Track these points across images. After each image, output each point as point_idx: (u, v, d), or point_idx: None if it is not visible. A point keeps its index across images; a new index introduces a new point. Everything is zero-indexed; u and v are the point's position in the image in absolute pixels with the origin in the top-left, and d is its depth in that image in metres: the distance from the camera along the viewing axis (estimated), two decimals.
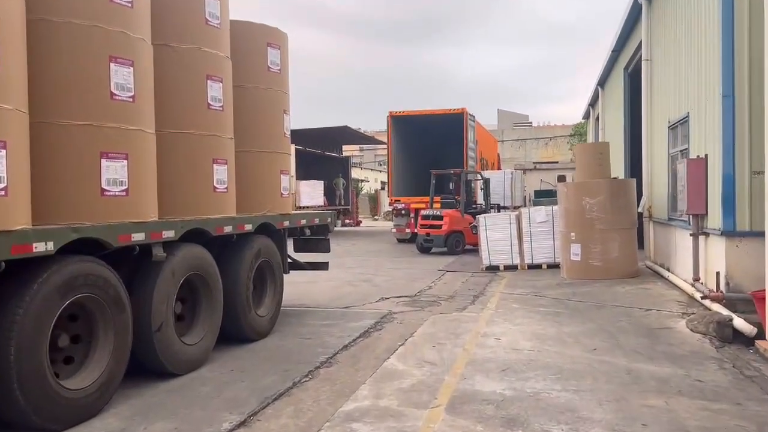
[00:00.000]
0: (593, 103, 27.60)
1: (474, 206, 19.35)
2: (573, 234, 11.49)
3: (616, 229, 11.21)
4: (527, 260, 13.38)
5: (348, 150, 45.65)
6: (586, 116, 33.05)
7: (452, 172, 18.09)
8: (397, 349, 6.42)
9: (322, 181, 29.91)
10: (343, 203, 33.55)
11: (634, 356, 6.10)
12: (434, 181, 18.32)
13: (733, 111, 7.67)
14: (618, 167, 17.21)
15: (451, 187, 18.84)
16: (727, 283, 7.78)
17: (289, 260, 9.02)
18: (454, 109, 21.34)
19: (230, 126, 6.42)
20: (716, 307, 7.59)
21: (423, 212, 18.08)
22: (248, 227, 6.41)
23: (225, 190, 6.23)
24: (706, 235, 8.55)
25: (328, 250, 9.11)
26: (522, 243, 13.41)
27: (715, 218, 8.19)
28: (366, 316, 8.26)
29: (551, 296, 9.62)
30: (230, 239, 6.20)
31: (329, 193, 32.64)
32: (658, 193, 12.10)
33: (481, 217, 13.84)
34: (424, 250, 17.79)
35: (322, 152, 32.32)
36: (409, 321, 7.93)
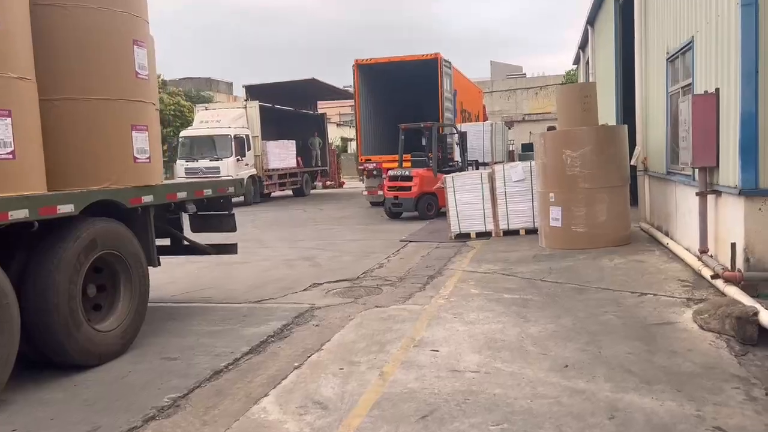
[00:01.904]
0: (583, 45, 25.30)
1: (451, 164, 17.33)
2: (552, 195, 9.53)
3: (604, 188, 9.26)
4: (502, 226, 11.46)
5: (330, 106, 43.28)
6: (577, 61, 30.71)
7: (423, 125, 16.00)
8: (287, 377, 4.53)
9: (294, 141, 27.85)
10: (320, 164, 31.51)
11: (623, 378, 4.22)
12: (403, 137, 16.26)
13: (756, 24, 5.64)
14: (609, 116, 15.14)
15: (423, 144, 16.78)
16: (747, 259, 5.88)
17: (185, 243, 7.12)
18: (426, 55, 19.09)
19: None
20: (732, 291, 5.71)
21: (390, 173, 16.08)
22: (65, 209, 4.43)
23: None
24: (718, 194, 6.61)
25: (233, 228, 7.22)
26: (496, 206, 11.48)
27: (729, 172, 6.24)
28: (277, 315, 6.37)
29: (522, 275, 7.73)
30: (30, 228, 4.24)
31: (305, 153, 30.59)
32: (655, 142, 10.10)
33: (448, 177, 11.86)
34: (394, 215, 15.87)
35: (295, 110, 30.08)
36: (330, 322, 6.04)
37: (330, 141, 38.77)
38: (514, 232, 11.34)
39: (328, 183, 35.38)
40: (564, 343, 5.02)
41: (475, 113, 26.32)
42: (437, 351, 4.95)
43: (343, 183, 36.22)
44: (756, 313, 4.93)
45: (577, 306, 6.12)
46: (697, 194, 6.85)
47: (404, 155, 16.65)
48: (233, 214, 7.18)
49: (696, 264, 6.96)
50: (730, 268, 5.98)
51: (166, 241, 7.26)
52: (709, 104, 6.56)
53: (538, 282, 7.28)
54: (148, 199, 5.43)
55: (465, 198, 11.60)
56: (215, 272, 9.11)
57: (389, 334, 5.46)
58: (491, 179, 11.52)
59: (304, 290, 7.58)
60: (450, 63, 20.08)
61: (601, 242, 9.18)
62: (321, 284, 7.90)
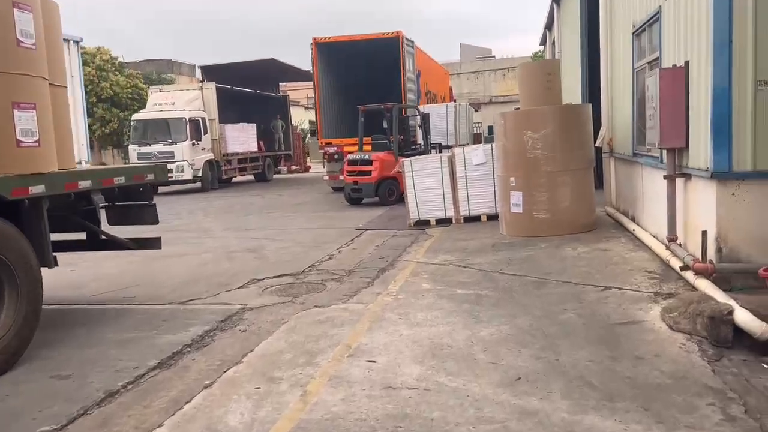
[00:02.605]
0: (549, 25, 24.79)
1: (414, 147, 16.67)
2: (513, 179, 8.94)
3: (568, 171, 8.70)
4: (463, 212, 10.86)
5: (298, 88, 42.02)
6: (543, 42, 30.25)
7: (383, 107, 15.27)
8: (191, 399, 3.85)
9: (254, 124, 26.85)
10: (283, 148, 30.57)
11: (582, 394, 3.64)
12: (363, 119, 15.51)
13: None
14: (575, 97, 14.64)
15: (385, 126, 16.05)
16: (719, 249, 5.35)
17: (102, 237, 6.35)
18: (387, 33, 18.31)
19: None
20: (703, 284, 5.18)
21: (349, 156, 15.34)
22: None
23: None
24: (687, 177, 6.07)
25: (155, 221, 6.46)
26: (456, 191, 10.86)
27: (700, 153, 5.69)
28: (202, 318, 5.66)
29: (479, 266, 7.13)
30: None
31: (267, 137, 29.61)
32: (621, 121, 9.57)
33: (406, 161, 11.19)
34: (354, 201, 15.17)
35: (256, 91, 29.03)
36: (259, 326, 5.35)
37: (295, 124, 37.82)
38: (476, 219, 10.76)
39: (294, 168, 34.48)
40: (518, 349, 4.42)
41: (441, 95, 25.67)
42: (374, 362, 4.31)
43: (310, 167, 35.35)
44: (730, 312, 4.40)
45: (535, 303, 5.54)
46: (665, 177, 6.30)
47: (365, 138, 15.96)
48: (154, 204, 6.42)
49: (664, 253, 6.44)
50: (700, 258, 5.45)
51: (83, 236, 6.51)
52: (677, 79, 5.99)
53: (495, 275, 6.68)
54: (37, 189, 4.65)
55: (424, 183, 10.96)
56: (148, 267, 8.34)
57: (323, 341, 4.80)
58: (451, 163, 10.90)
59: (239, 287, 6.87)
60: (413, 42, 19.34)
61: (564, 229, 8.63)
62: (261, 280, 7.20)
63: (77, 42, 21.08)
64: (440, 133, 17.75)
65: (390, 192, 14.64)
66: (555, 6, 20.53)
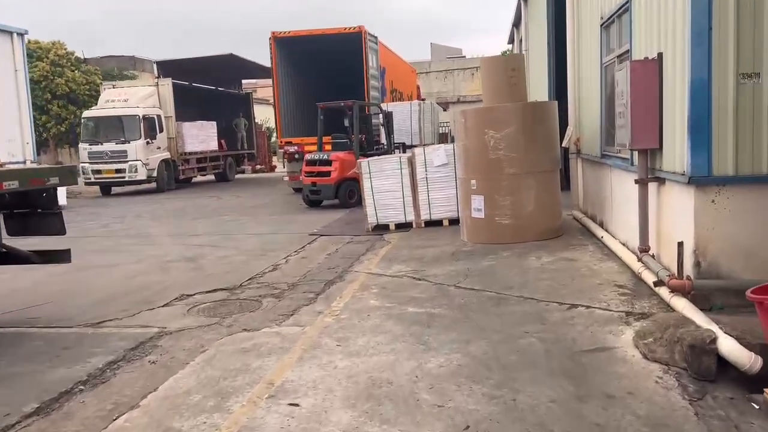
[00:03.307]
0: (517, 22, 24.38)
1: (378, 146, 15.98)
2: (474, 182, 8.31)
3: (532, 173, 8.09)
4: (424, 216, 10.20)
5: (264, 86, 40.88)
6: (511, 40, 29.89)
7: (343, 104, 14.54)
8: None
9: (215, 122, 25.85)
10: (246, 146, 29.60)
11: None
12: (322, 117, 14.76)
13: None
14: (542, 96, 14.11)
15: (346, 125, 15.32)
16: (697, 263, 4.76)
17: (2, 250, 5.52)
18: (349, 28, 17.56)
19: None
20: (681, 304, 4.58)
21: (308, 156, 14.58)
22: None
23: None
24: (661, 181, 5.49)
25: (61, 231, 5.64)
26: (417, 194, 10.19)
27: (675, 156, 5.11)
28: (109, 345, 4.87)
29: (435, 278, 6.47)
30: None
31: (229, 135, 28.61)
32: (589, 120, 9.02)
33: (363, 162, 10.48)
34: (312, 203, 14.41)
35: (216, 88, 28.01)
36: (173, 356, 4.59)
37: (260, 122, 36.82)
38: (437, 223, 10.11)
39: (258, 167, 33.54)
40: (469, 386, 3.75)
41: (407, 93, 25.03)
42: (297, 405, 3.60)
43: (275, 167, 34.40)
44: (713, 340, 3.79)
45: (494, 324, 4.88)
46: (636, 182, 5.70)
47: (325, 137, 15.22)
48: (60, 212, 5.59)
49: (635, 265, 5.85)
50: (676, 273, 4.86)
51: None
52: (650, 72, 5.39)
53: (451, 289, 6.02)
54: None
55: (383, 185, 10.27)
56: (69, 280, 7.49)
57: (242, 377, 4.07)
58: (411, 164, 10.22)
59: (164, 305, 6.08)
60: (376, 38, 18.65)
61: (528, 235, 8.03)
62: (191, 296, 6.42)
63: (21, 34, 19.95)
64: (404, 132, 17.09)
65: (350, 194, 13.90)
66: (522, 2, 20.04)
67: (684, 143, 4.82)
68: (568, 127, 9.91)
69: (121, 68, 46.95)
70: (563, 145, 9.63)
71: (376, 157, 11.19)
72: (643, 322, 4.56)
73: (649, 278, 5.33)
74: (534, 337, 4.54)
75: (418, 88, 30.23)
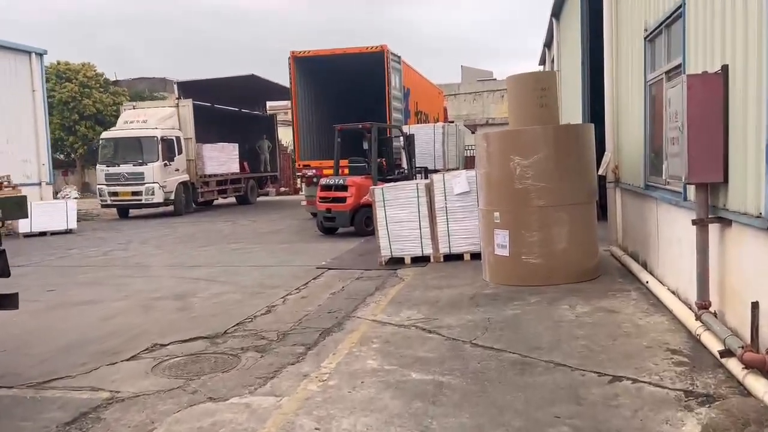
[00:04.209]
0: (548, 42, 23.42)
1: (401, 171, 15.11)
2: (498, 215, 7.33)
3: (565, 206, 7.09)
4: (443, 249, 9.23)
5: (288, 108, 40.46)
6: (542, 61, 28.87)
7: (360, 126, 13.73)
8: None
9: (236, 144, 25.29)
10: (269, 169, 29.00)
11: None
12: (339, 140, 13.96)
13: None
14: (576, 120, 13.08)
15: (365, 148, 14.49)
16: None
17: None
18: (371, 47, 16.83)
19: None
20: (760, 387, 3.53)
21: (322, 181, 13.76)
22: None
23: None
24: (725, 223, 4.45)
25: (4, 273, 4.79)
26: (435, 225, 9.24)
27: (747, 192, 4.08)
28: (41, 417, 4.00)
29: (449, 331, 5.48)
30: None
31: (252, 157, 28.08)
32: (629, 146, 8.00)
33: (377, 189, 9.58)
34: (327, 230, 13.56)
35: (239, 110, 27.58)
36: None
37: (285, 144, 36.36)
38: (457, 257, 9.13)
39: (282, 189, 33.02)
40: None
41: (433, 115, 24.18)
42: None
43: (299, 189, 33.71)
44: None
45: (516, 402, 3.88)
46: (694, 222, 4.67)
47: (342, 161, 14.40)
48: (3, 251, 4.74)
49: (692, 324, 4.79)
50: (750, 342, 3.81)
51: None
52: (712, 89, 4.39)
53: (467, 347, 5.02)
54: None
55: (398, 214, 9.35)
56: (40, 320, 6.70)
57: None
58: (429, 192, 9.29)
59: (130, 358, 5.21)
60: (399, 58, 17.89)
61: (560, 277, 7.00)
62: (164, 346, 5.54)
63: (40, 54, 19.71)
64: (427, 156, 16.21)
65: (367, 221, 12.96)
66: (554, 21, 19.12)
67: (760, 177, 3.80)
68: (606, 153, 8.89)
69: (151, 90, 47.29)
70: (600, 172, 8.60)
71: (391, 184, 10.27)
72: (711, 410, 3.51)
73: (712, 344, 4.27)
74: (567, 425, 3.53)
75: (445, 110, 29.38)
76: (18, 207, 4.95)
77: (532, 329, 5.39)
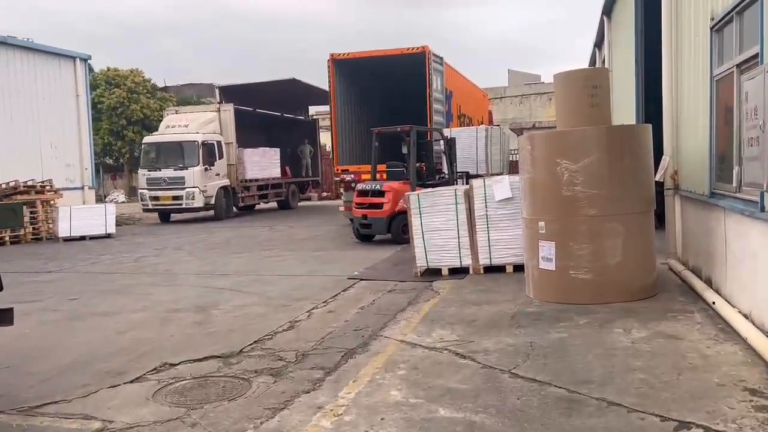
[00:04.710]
0: (599, 42, 22.40)
1: (441, 176, 14.53)
2: (543, 224, 6.66)
3: (619, 215, 6.38)
4: (483, 260, 8.59)
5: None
6: (592, 62, 27.79)
7: (399, 129, 13.20)
8: None
9: (277, 149, 25.11)
10: (310, 173, 28.74)
11: None
12: (377, 144, 13.46)
13: None
14: (628, 122, 12.23)
15: (404, 152, 13.95)
16: None
17: None
18: (412, 48, 16.29)
19: None
20: None
21: (358, 186, 13.28)
22: None
23: None
24: None
25: None
26: (474, 234, 8.61)
27: None
28: None
29: (485, 356, 4.87)
30: None
31: (294, 162, 27.89)
32: (691, 148, 7.21)
33: (412, 195, 9.02)
34: (363, 237, 13.07)
35: (281, 114, 27.41)
36: None
37: (327, 149, 36.16)
38: (499, 269, 8.49)
39: (324, 194, 32.76)
40: None
41: (477, 119, 23.48)
42: None
43: (341, 194, 33.45)
44: None
45: None
46: None
47: (380, 166, 13.90)
48: None
49: None
50: None
51: None
52: None
53: (505, 378, 4.40)
54: None
55: (434, 222, 8.76)
56: (53, 333, 6.38)
57: None
58: (469, 198, 8.67)
59: (134, 380, 4.78)
60: (441, 59, 17.29)
61: (612, 295, 6.29)
62: (174, 366, 5.10)
63: (84, 60, 19.94)
64: (469, 160, 15.58)
65: (404, 229, 12.31)
66: (605, 19, 18.18)
67: None
68: (664, 156, 8.11)
69: (199, 95, 47.95)
70: (657, 178, 7.83)
71: (427, 190, 9.68)
72: None
73: None
74: None
75: (490, 113, 28.60)
76: (13, 214, 4.60)
77: (580, 357, 4.72)
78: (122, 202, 34.08)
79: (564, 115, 7.13)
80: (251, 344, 5.66)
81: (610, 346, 4.96)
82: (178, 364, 5.15)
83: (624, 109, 13.53)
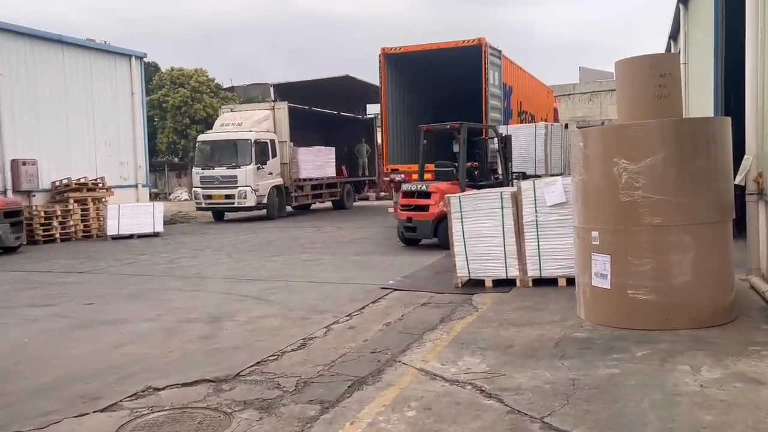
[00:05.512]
0: (674, 34, 20.76)
1: (496, 176, 13.58)
2: (596, 234, 5.70)
3: (689, 225, 5.35)
4: (532, 271, 7.67)
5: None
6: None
7: (449, 126, 12.34)
8: None
9: (332, 148, 24.63)
10: (367, 173, 28.17)
11: None
12: (425, 142, 12.66)
13: None
14: (706, 113, 10.95)
15: (456, 151, 13.08)
16: None
17: None
18: (467, 41, 15.41)
19: None
20: None
21: (404, 187, 12.52)
22: None
23: None
24: None
25: None
26: (523, 241, 7.69)
27: None
28: None
29: (515, 399, 4.00)
30: None
31: (350, 161, 27.40)
32: None
33: (453, 198, 8.17)
34: (408, 241, 12.30)
35: (338, 113, 26.95)
36: None
37: None
38: (550, 281, 7.55)
39: (382, 194, 32.17)
40: None
41: (541, 116, 22.23)
42: None
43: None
44: None
45: None
46: None
47: (428, 165, 13.10)
48: None
49: None
50: None
51: None
52: None
53: (535, 430, 3.54)
54: None
55: (477, 228, 7.90)
56: (48, 343, 5.94)
57: None
58: (515, 201, 7.76)
59: (105, 408, 4.19)
60: (500, 52, 16.29)
61: (679, 320, 5.27)
62: (158, 390, 4.49)
63: (140, 58, 19.98)
64: (527, 159, 14.52)
65: None
66: (681, 8, 16.68)
67: None
68: (745, 156, 6.94)
69: (264, 95, 48.36)
70: (737, 181, 6.69)
71: (470, 193, 8.82)
72: None
73: None
74: None
75: (555, 111, 27.18)
76: None
77: (633, 405, 3.79)
78: (185, 200, 34.60)
79: (626, 108, 6.13)
80: (252, 366, 5.00)
81: (672, 389, 3.99)
82: (163, 388, 4.54)
83: (701, 105, 12.21)
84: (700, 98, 12.82)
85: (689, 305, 5.33)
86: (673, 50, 22.29)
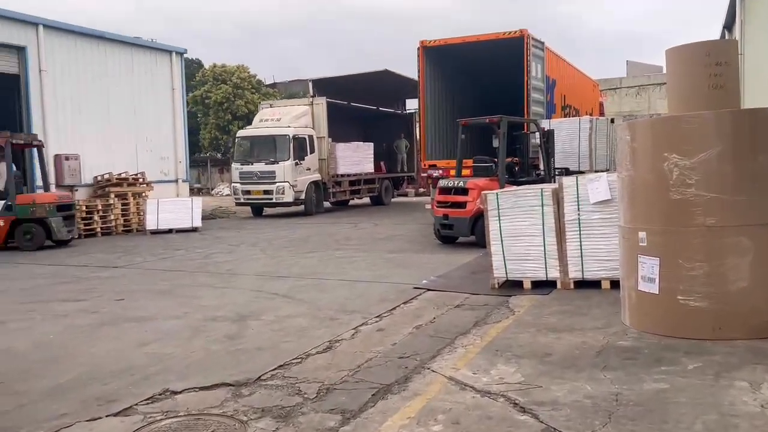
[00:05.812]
0: (729, 23, 19.84)
1: (538, 172, 13.12)
2: (644, 235, 5.28)
3: (748, 227, 4.89)
4: (574, 273, 7.26)
5: None
6: None
7: (488, 120, 11.94)
8: None
9: (371, 143, 24.42)
10: (406, 169, 27.87)
11: None
12: (464, 136, 12.30)
13: None
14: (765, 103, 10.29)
15: (495, 146, 12.67)
16: None
17: None
18: (509, 33, 14.95)
19: None
20: None
21: (440, 183, 12.18)
22: None
23: None
24: None
25: None
26: (564, 241, 7.29)
27: None
28: None
29: (551, 415, 3.67)
30: None
31: (389, 157, 27.16)
32: None
33: (490, 195, 7.81)
34: (444, 239, 11.97)
35: (377, 108, 26.71)
36: None
37: None
38: (593, 284, 7.13)
39: (421, 190, 31.86)
40: None
41: (586, 110, 21.51)
42: None
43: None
44: None
45: None
46: None
47: (467, 160, 12.75)
48: None
49: None
50: None
51: None
52: None
53: None
54: None
55: (516, 227, 7.53)
56: (73, 340, 5.85)
57: None
58: (557, 198, 7.36)
59: (119, 412, 4.02)
60: (543, 44, 15.78)
61: (735, 329, 4.83)
62: (175, 393, 4.32)
63: (180, 54, 20.14)
64: (571, 155, 13.98)
65: None
66: None
67: None
68: None
69: (306, 92, 48.58)
70: None
71: (509, 189, 8.42)
72: None
73: None
74: None
75: (601, 105, 26.34)
76: None
77: (684, 426, 3.41)
78: (226, 195, 34.95)
79: (677, 99, 5.68)
80: (274, 369, 4.79)
81: (728, 410, 3.60)
82: (181, 391, 4.36)
83: (759, 96, 11.52)
84: (758, 88, 12.12)
85: (746, 313, 4.88)
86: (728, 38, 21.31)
